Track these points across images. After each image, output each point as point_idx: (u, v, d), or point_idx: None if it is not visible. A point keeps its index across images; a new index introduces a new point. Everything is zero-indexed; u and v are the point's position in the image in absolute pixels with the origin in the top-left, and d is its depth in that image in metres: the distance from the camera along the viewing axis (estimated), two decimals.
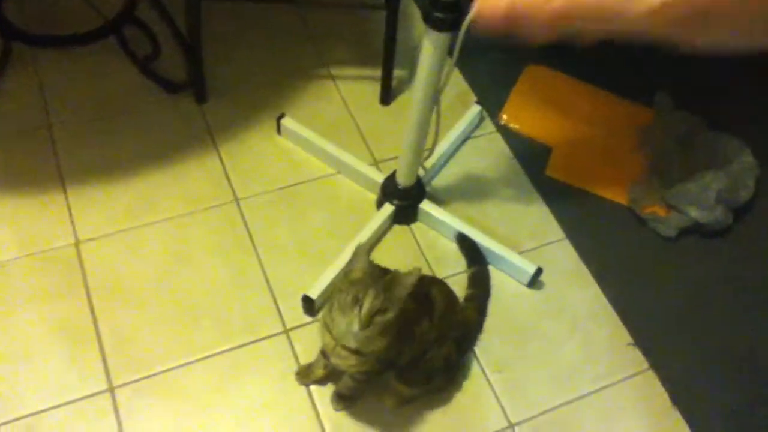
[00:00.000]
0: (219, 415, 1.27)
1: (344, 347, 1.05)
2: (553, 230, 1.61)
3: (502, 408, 1.35)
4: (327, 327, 1.07)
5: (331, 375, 1.29)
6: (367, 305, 0.99)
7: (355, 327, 1.00)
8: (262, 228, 1.52)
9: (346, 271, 1.07)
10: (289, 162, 1.64)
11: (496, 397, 1.36)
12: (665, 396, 1.41)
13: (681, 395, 1.41)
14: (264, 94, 1.74)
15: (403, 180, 1.49)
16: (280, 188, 1.59)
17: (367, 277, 1.02)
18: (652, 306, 1.52)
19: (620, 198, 1.67)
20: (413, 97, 1.29)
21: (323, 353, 1.16)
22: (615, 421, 1.37)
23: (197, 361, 1.33)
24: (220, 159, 1.61)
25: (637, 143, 1.77)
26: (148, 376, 1.30)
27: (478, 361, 1.39)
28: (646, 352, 1.45)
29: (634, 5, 0.53)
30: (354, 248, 1.07)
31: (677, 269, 1.59)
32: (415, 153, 1.41)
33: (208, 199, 1.55)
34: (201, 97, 1.68)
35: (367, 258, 1.05)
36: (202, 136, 1.64)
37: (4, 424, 1.22)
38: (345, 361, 1.08)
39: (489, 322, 1.44)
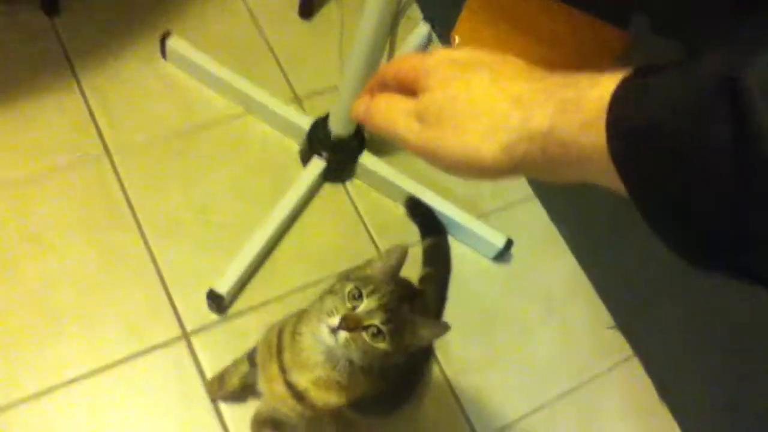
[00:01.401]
0: None
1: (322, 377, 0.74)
2: (519, 187, 1.31)
3: (468, 420, 1.08)
4: (293, 340, 0.76)
5: (249, 385, 0.95)
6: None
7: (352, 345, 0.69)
8: (145, 192, 1.12)
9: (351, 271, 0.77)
10: (179, 98, 1.22)
11: (461, 406, 1.08)
12: (651, 388, 1.19)
13: (668, 386, 1.19)
14: (141, 1, 1.29)
15: (338, 127, 1.13)
16: (168, 135, 1.18)
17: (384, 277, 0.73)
18: (634, 277, 1.27)
19: None
20: (362, 21, 0.92)
21: (251, 358, 0.89)
22: (598, 421, 1.14)
23: (60, 386, 0.96)
24: (83, 95, 1.17)
25: (614, 69, 1.48)
26: None
27: (438, 361, 1.10)
28: (629, 336, 1.22)
29: None
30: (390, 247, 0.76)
31: None
32: (358, 92, 1.04)
33: (65, 152, 1.12)
34: (50, 6, 1.21)
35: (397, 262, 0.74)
36: (56, 62, 1.19)
37: None
38: (318, 394, 0.76)
39: (448, 310, 1.15)
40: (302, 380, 0.75)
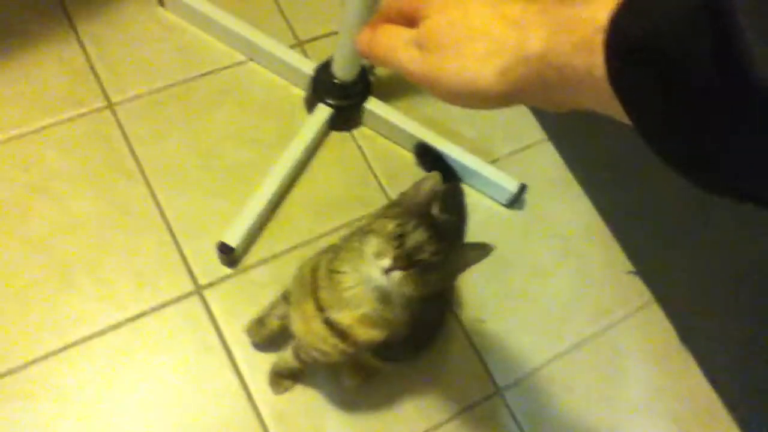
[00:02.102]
0: (115, 411, 0.92)
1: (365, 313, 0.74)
2: (531, 129, 1.27)
3: (487, 369, 1.06)
4: (331, 279, 0.75)
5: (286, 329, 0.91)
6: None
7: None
8: (149, 144, 1.09)
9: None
10: (180, 47, 1.18)
11: (479, 355, 1.07)
12: (672, 332, 1.17)
13: (688, 330, 1.17)
14: None
15: (342, 72, 1.08)
16: (170, 85, 1.14)
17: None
18: (651, 222, 1.24)
19: None
20: None
21: (286, 298, 0.87)
22: (618, 367, 1.12)
23: (74, 344, 0.95)
24: (81, 45, 1.13)
25: None
26: (6, 373, 0.91)
27: (453, 309, 1.09)
28: (648, 280, 1.19)
29: None
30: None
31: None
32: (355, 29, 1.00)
33: (66, 103, 1.09)
34: None
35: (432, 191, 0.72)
36: (51, 11, 1.15)
37: None
38: (362, 331, 0.75)
39: None
40: (345, 318, 0.73)
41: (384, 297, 0.71)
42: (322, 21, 1.25)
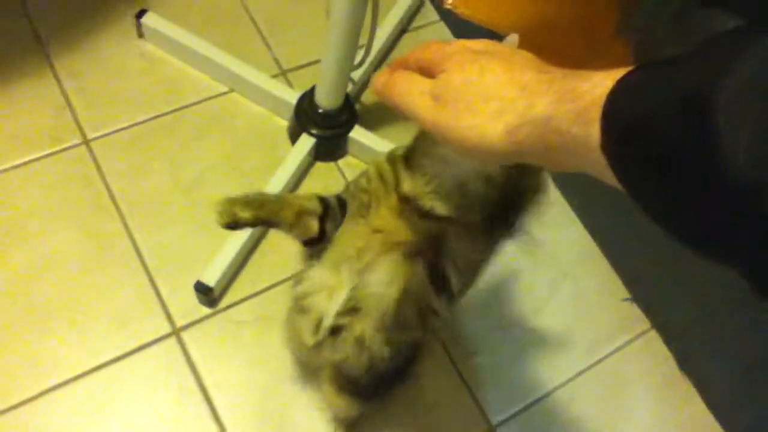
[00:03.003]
0: None
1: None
2: None
3: (479, 405, 1.02)
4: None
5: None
6: None
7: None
8: (127, 180, 1.06)
9: None
10: (160, 79, 1.16)
11: (471, 391, 1.03)
12: (671, 360, 1.13)
13: (688, 357, 1.13)
14: None
15: (325, 101, 1.06)
16: (150, 118, 1.12)
17: None
18: (648, 247, 1.19)
19: None
20: None
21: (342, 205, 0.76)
22: (618, 397, 1.08)
23: (49, 390, 0.91)
24: (58, 80, 1.11)
25: (617, 26, 1.39)
26: None
27: (444, 345, 1.05)
28: (646, 308, 1.15)
29: None
30: None
31: None
32: (343, 62, 0.98)
33: (43, 143, 1.06)
34: None
35: None
36: (27, 45, 1.13)
37: None
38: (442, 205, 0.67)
39: None
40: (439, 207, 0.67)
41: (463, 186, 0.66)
42: (305, 49, 1.22)
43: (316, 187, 1.13)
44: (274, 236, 1.06)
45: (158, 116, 1.12)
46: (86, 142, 1.07)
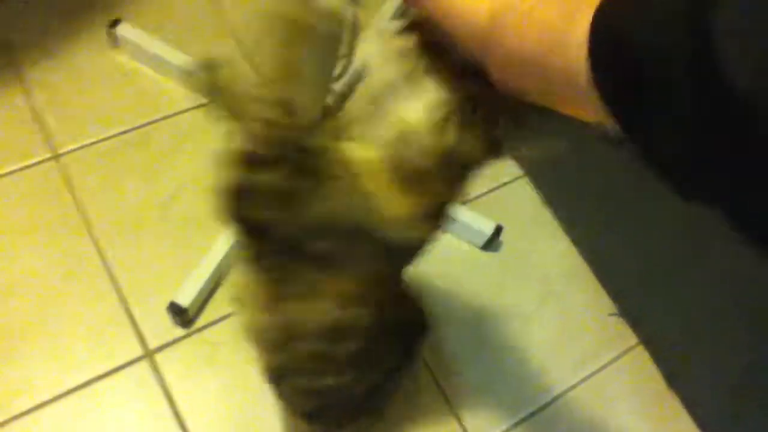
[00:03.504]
0: None
1: None
2: (506, 166, 1.21)
3: (463, 426, 1.00)
4: None
5: None
6: None
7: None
8: (99, 197, 1.03)
9: None
10: (134, 90, 1.12)
11: (454, 412, 1.00)
12: (659, 377, 1.11)
13: (676, 374, 1.11)
14: None
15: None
16: (124, 132, 1.08)
17: None
18: (635, 262, 1.18)
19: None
20: None
21: None
22: (605, 414, 1.06)
23: (19, 416, 0.88)
24: (27, 91, 1.07)
25: None
26: None
27: (425, 362, 1.02)
28: (633, 323, 1.13)
29: None
30: None
31: (659, 205, 1.25)
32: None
33: (10, 156, 1.02)
34: None
35: None
36: None
37: None
38: None
39: (438, 303, 1.06)
40: None
41: None
42: None
43: None
44: None
45: (132, 129, 1.09)
46: (56, 156, 1.04)
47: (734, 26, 0.29)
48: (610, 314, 1.13)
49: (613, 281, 1.14)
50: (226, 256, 0.98)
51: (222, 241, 0.98)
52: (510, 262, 1.13)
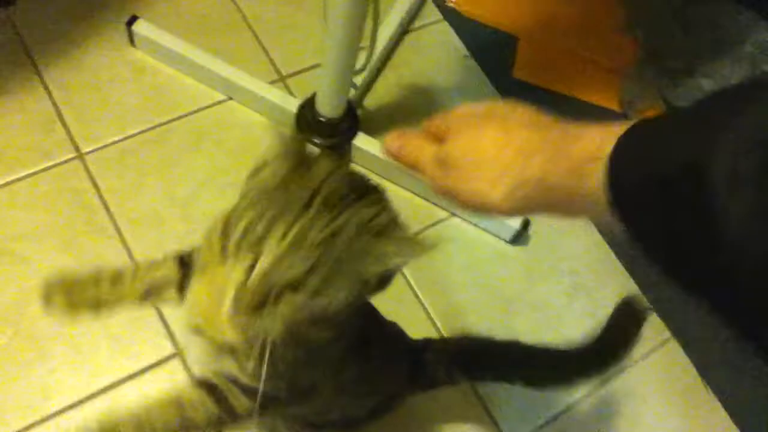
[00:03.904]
0: None
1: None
2: None
3: (495, 421, 0.98)
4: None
5: None
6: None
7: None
8: (123, 195, 1.02)
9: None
10: (154, 88, 1.11)
11: (485, 406, 0.99)
12: (692, 369, 1.08)
13: (710, 369, 1.09)
14: None
15: (326, 109, 1.01)
16: (145, 130, 1.07)
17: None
18: None
19: (611, 101, 1.27)
20: None
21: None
22: (639, 409, 1.04)
23: (48, 418, 0.87)
24: (48, 92, 1.06)
25: (623, 21, 1.35)
26: None
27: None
28: (666, 317, 1.11)
29: None
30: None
31: None
32: (343, 68, 0.93)
33: (33, 158, 1.02)
34: None
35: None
36: (15, 58, 1.08)
37: None
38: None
39: (465, 298, 1.04)
40: None
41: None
42: (304, 53, 1.18)
43: None
44: None
45: (152, 127, 1.08)
46: (79, 156, 1.03)
47: (728, 182, 0.33)
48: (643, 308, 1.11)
49: (645, 273, 1.12)
50: None
51: None
52: (538, 256, 1.11)
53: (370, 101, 1.16)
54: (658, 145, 0.38)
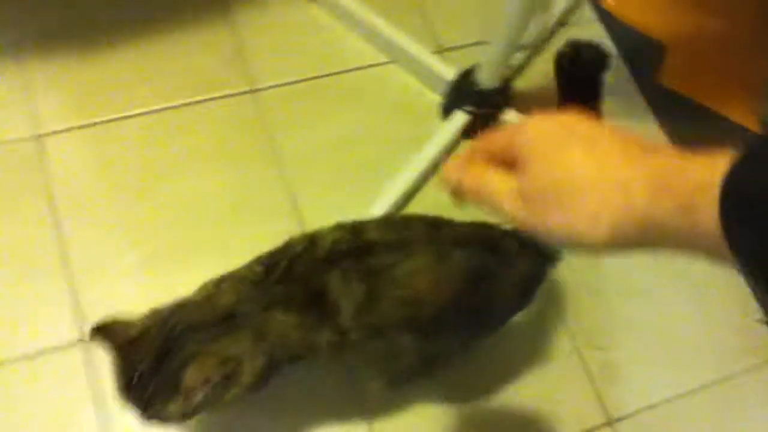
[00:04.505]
0: None
1: None
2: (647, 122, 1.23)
3: (600, 398, 1.02)
4: None
5: None
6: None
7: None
8: (285, 132, 1.11)
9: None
10: (324, 42, 1.21)
11: (592, 382, 1.03)
12: None
13: None
14: None
15: (487, 79, 1.08)
16: (312, 78, 1.17)
17: None
18: None
19: (750, 120, 1.28)
20: None
21: None
22: (740, 420, 1.05)
23: None
24: (233, 31, 1.18)
25: None
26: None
27: (572, 335, 1.05)
28: None
29: None
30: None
31: None
32: (513, 41, 1.00)
33: (212, 87, 1.13)
34: None
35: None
36: None
37: None
38: None
39: (587, 282, 1.09)
40: None
41: None
42: (463, 28, 1.25)
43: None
44: (413, 209, 1.09)
45: (320, 77, 1.17)
46: (253, 91, 1.13)
47: None
48: (757, 319, 1.12)
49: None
50: (392, 206, 1.04)
51: (390, 191, 1.05)
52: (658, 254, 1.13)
53: (522, 82, 1.22)
54: None
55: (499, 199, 0.47)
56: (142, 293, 0.96)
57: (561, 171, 0.43)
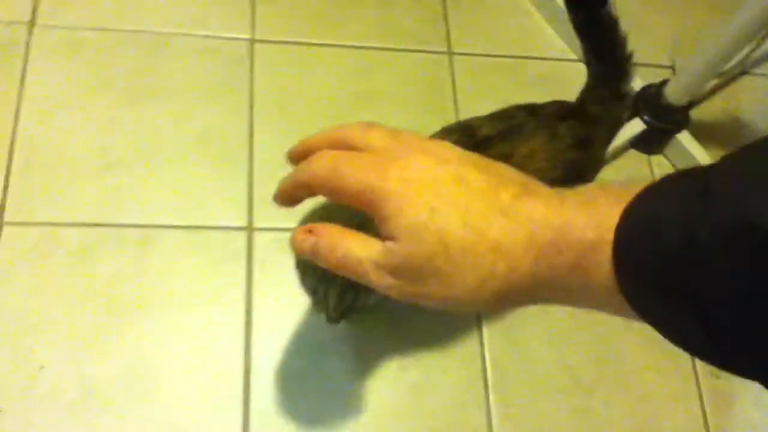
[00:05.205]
0: None
1: None
2: None
3: (704, 416, 1.03)
4: None
5: None
6: None
7: None
8: (470, 100, 1.18)
9: None
10: (523, 29, 1.27)
11: (704, 414, 1.04)
12: None
13: None
14: None
15: (676, 94, 1.11)
16: (503, 56, 1.23)
17: None
18: None
19: None
20: None
21: None
22: None
23: None
24: (443, 1, 1.26)
25: None
26: None
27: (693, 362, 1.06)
28: None
29: None
30: None
31: None
32: (716, 62, 1.03)
33: (414, 40, 1.21)
34: None
35: None
36: None
37: None
38: None
39: None
40: None
41: None
42: (661, 44, 1.29)
43: (618, 176, 1.18)
44: None
45: (509, 57, 1.24)
46: (450, 53, 1.21)
47: None
48: None
49: None
50: None
51: None
52: None
53: (703, 111, 1.24)
54: (685, 215, 0.31)
55: (363, 269, 0.40)
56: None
57: (434, 244, 0.37)
